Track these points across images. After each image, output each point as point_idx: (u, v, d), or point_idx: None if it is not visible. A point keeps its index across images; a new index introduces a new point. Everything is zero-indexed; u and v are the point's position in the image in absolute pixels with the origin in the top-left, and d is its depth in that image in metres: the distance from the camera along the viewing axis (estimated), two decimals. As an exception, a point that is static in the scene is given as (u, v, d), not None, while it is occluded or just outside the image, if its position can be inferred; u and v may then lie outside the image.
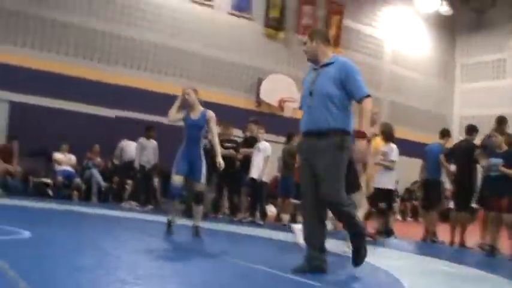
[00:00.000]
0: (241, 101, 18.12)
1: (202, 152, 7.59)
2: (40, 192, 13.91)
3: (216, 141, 7.73)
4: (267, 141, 12.49)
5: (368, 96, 4.97)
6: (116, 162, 15.05)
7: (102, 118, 15.38)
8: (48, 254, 4.93)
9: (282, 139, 13.59)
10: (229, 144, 12.56)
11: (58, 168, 14.29)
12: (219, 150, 7.75)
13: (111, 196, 14.89)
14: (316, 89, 5.06)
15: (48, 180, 14.16)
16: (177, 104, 7.77)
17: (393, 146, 10.11)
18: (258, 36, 18.94)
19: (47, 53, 15.42)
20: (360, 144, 4.98)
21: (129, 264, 4.94)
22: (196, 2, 17.84)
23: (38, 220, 8.47)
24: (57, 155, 14.43)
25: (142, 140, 13.81)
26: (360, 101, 4.98)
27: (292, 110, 17.81)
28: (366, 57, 21.41)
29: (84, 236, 6.87)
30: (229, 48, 18.29)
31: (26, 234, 5.86)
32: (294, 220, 11.86)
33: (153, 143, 13.89)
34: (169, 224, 7.54)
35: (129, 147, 14.48)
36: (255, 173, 12.16)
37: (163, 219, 7.99)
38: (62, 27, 15.65)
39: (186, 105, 7.74)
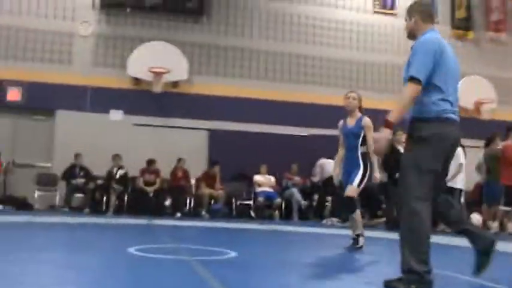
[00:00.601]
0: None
1: (360, 161, 7.26)
2: (243, 213, 14.47)
3: (372, 151, 6.95)
4: (461, 146, 11.91)
5: (411, 79, 4.22)
6: (315, 180, 15.22)
7: (296, 137, 15.69)
8: (255, 273, 5.07)
9: (479, 143, 12.95)
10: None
11: (258, 189, 14.76)
12: (375, 162, 7.40)
13: (312, 214, 15.06)
14: None
15: (250, 202, 14.68)
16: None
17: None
18: (446, 39, 18.17)
19: (239, 79, 16.14)
20: (381, 134, 4.31)
21: (333, 282, 4.91)
22: (379, 12, 17.65)
23: (243, 240, 8.76)
24: (257, 177, 14.92)
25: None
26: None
27: (491, 111, 16.93)
28: None
29: (288, 254, 6.96)
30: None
31: (233, 254, 6.06)
32: (503, 228, 11.19)
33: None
34: (355, 239, 7.35)
35: (328, 165, 14.54)
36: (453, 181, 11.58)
37: (365, 233, 7.86)
38: (249, 53, 16.33)
39: (347, 111, 7.56)
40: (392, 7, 17.80)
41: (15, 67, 15.04)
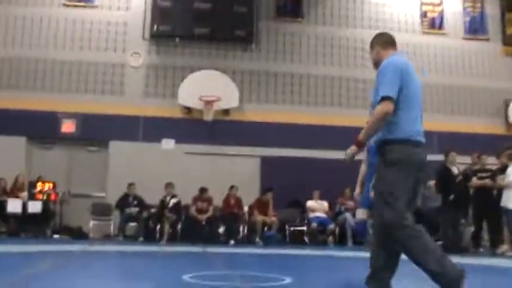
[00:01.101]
0: (488, 127, 17.15)
1: None
2: (296, 240, 14.37)
3: None
4: None
5: (383, 99, 4.27)
6: (368, 204, 15.02)
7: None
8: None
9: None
10: (483, 174, 11.93)
11: (312, 215, 14.65)
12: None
13: (366, 239, 14.84)
14: None
15: (304, 228, 14.58)
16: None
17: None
18: (497, 56, 17.92)
19: (290, 105, 16.16)
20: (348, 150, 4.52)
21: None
22: (428, 33, 17.49)
23: (297, 266, 8.67)
24: (310, 203, 14.82)
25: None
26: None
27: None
28: None
29: (343, 280, 6.86)
30: (469, 74, 17.54)
31: (288, 280, 5.99)
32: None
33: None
34: None
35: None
36: (504, 201, 11.25)
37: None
38: (298, 78, 16.36)
39: None
40: (440, 27, 17.62)
41: (69, 99, 15.38)
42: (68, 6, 15.94)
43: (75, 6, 15.96)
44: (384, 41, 4.84)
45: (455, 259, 7.40)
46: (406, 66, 4.49)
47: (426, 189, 14.06)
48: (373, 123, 4.35)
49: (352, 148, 4.48)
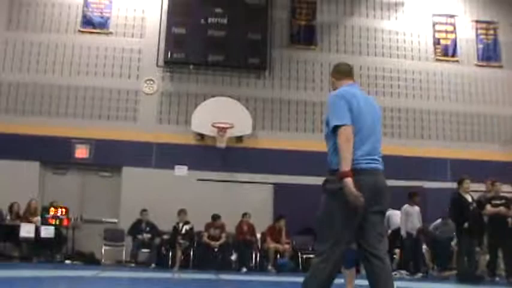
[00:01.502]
0: (503, 154, 17.03)
1: None
2: (310, 267, 14.22)
3: None
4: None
5: (336, 127, 4.28)
6: (382, 232, 14.93)
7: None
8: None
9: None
10: (498, 202, 11.83)
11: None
12: None
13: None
14: None
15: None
16: None
17: None
18: (510, 83, 17.87)
19: (303, 132, 16.17)
20: (346, 187, 4.12)
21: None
22: (441, 60, 17.50)
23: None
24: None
25: (406, 207, 13.59)
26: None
27: None
28: None
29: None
30: (482, 101, 17.49)
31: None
32: None
33: (416, 208, 13.60)
34: None
35: (395, 216, 14.29)
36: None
37: (434, 286, 7.60)
38: (312, 106, 16.39)
39: None
40: (454, 54, 17.63)
41: (83, 125, 15.48)
42: (83, 32, 16.12)
43: (91, 32, 16.13)
44: (337, 72, 4.89)
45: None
46: (350, 96, 4.48)
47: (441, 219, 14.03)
48: (344, 151, 4.21)
49: (346, 181, 4.12)
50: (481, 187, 13.21)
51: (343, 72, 4.87)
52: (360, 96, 4.54)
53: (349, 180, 4.10)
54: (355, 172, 4.19)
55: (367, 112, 4.48)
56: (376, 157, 4.42)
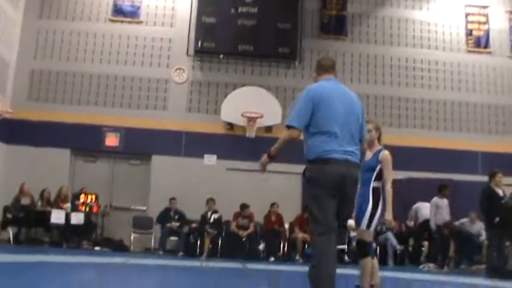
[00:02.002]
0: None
1: (370, 197, 6.34)
2: (338, 258, 14.21)
3: (388, 188, 6.36)
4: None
5: (287, 126, 4.89)
6: (410, 224, 14.86)
7: (392, 181, 15.29)
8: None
9: None
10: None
11: (352, 234, 14.49)
12: (389, 202, 6.35)
13: (408, 259, 14.66)
14: None
15: (344, 247, 14.42)
16: None
17: None
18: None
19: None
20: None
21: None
22: (473, 52, 17.27)
23: (338, 285, 8.57)
24: (351, 222, 14.63)
25: (436, 199, 13.45)
26: None
27: None
28: None
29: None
30: (514, 93, 17.27)
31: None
32: None
33: (445, 201, 13.47)
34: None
35: (424, 209, 14.19)
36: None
37: (462, 279, 7.53)
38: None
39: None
40: (486, 45, 17.38)
41: (113, 113, 15.62)
42: (114, 21, 16.22)
43: (122, 21, 16.23)
44: (319, 67, 5.22)
45: (500, 283, 7.26)
46: (321, 92, 4.85)
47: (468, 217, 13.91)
48: (280, 143, 4.93)
49: (264, 158, 5.06)
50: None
51: (323, 67, 5.20)
52: (335, 91, 4.93)
53: (265, 158, 5.08)
54: (324, 162, 4.72)
55: (340, 106, 4.83)
56: (347, 149, 4.77)
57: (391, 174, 6.43)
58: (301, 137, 4.98)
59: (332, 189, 4.70)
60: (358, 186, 6.20)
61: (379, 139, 6.72)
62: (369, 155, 6.58)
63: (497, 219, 11.21)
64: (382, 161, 6.47)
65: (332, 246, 4.72)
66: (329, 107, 4.79)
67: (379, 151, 6.56)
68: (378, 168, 6.44)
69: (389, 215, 6.40)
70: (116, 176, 15.81)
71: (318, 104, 4.78)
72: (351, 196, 4.93)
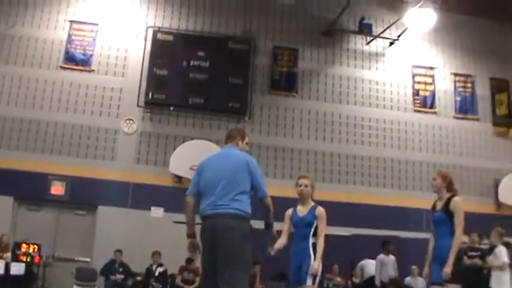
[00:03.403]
0: (478, 206, 17.10)
1: (311, 252, 6.62)
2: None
3: (320, 242, 6.63)
4: (506, 245, 11.55)
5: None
6: (356, 281, 14.92)
7: (338, 237, 15.31)
8: None
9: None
10: (474, 253, 11.84)
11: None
12: (319, 252, 6.57)
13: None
14: None
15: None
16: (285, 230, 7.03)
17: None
18: (487, 136, 18.11)
19: (281, 179, 16.15)
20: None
21: None
22: (420, 111, 17.72)
23: None
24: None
25: (382, 256, 13.62)
26: None
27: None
28: None
29: None
30: (459, 153, 17.70)
31: None
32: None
33: (391, 258, 13.62)
34: None
35: (369, 265, 14.32)
36: (493, 283, 11.07)
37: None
38: (290, 152, 16.44)
39: (299, 199, 7.10)
40: (432, 105, 17.88)
41: (60, 162, 15.35)
42: (65, 69, 16.09)
43: (73, 69, 16.11)
44: (225, 137, 6.07)
45: None
46: (203, 164, 5.79)
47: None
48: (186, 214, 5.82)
49: (189, 243, 5.82)
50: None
51: (227, 136, 6.05)
52: (215, 158, 5.80)
53: (188, 241, 5.75)
54: (202, 219, 5.52)
55: (215, 170, 5.58)
56: (219, 203, 5.42)
57: (325, 230, 6.73)
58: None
59: (206, 245, 5.48)
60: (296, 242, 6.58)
61: (312, 196, 6.93)
62: (303, 210, 6.85)
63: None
64: (318, 216, 6.69)
65: None
66: (206, 176, 5.64)
67: (315, 207, 6.78)
68: (314, 224, 6.66)
69: (317, 264, 6.51)
70: (60, 226, 15.42)
71: (201, 176, 5.70)
72: (224, 245, 5.37)
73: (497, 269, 10.72)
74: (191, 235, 5.69)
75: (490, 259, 11.13)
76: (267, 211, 5.76)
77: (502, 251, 10.79)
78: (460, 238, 6.27)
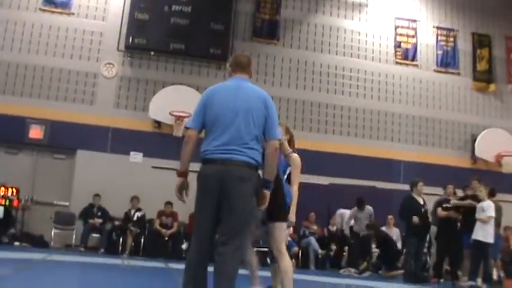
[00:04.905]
0: (455, 159, 17.38)
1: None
2: (259, 260, 14.27)
3: (295, 189, 6.40)
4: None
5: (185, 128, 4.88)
6: (333, 229, 15.16)
7: (316, 186, 15.47)
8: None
9: (504, 196, 12.88)
10: (448, 205, 12.06)
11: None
12: (294, 203, 6.33)
13: (329, 263, 14.91)
14: None
15: (266, 249, 14.52)
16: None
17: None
18: (467, 91, 18.22)
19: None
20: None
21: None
22: (401, 64, 17.74)
23: None
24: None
25: (354, 210, 13.95)
26: None
27: (512, 164, 16.94)
28: None
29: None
30: (438, 106, 17.81)
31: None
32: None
33: (368, 210, 13.89)
34: None
35: (345, 215, 14.56)
36: (479, 234, 11.30)
37: (380, 284, 7.74)
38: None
39: None
40: (413, 58, 17.89)
41: (39, 105, 15.21)
42: (44, 11, 15.81)
43: (52, 12, 15.83)
44: (234, 63, 5.01)
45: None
46: (211, 93, 4.80)
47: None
48: (182, 150, 4.74)
49: (177, 182, 4.82)
50: (434, 190, 13.49)
51: (238, 64, 5.00)
52: (225, 89, 4.81)
53: (177, 180, 4.79)
54: (204, 162, 4.63)
55: (227, 105, 4.68)
56: (232, 147, 4.57)
57: (298, 178, 6.49)
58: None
59: (207, 191, 4.57)
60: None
61: (289, 142, 6.69)
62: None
63: (415, 218, 11.55)
64: (292, 164, 6.47)
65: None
66: (216, 109, 4.69)
67: (289, 154, 6.54)
68: (287, 171, 6.46)
69: (292, 216, 6.30)
70: (38, 170, 15.41)
71: (208, 107, 4.72)
72: (235, 197, 4.54)
73: (483, 222, 10.97)
74: (184, 174, 4.75)
75: (479, 213, 11.26)
76: (272, 159, 4.74)
77: (490, 206, 11.07)
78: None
